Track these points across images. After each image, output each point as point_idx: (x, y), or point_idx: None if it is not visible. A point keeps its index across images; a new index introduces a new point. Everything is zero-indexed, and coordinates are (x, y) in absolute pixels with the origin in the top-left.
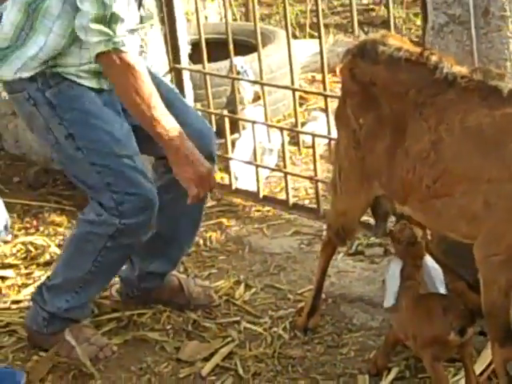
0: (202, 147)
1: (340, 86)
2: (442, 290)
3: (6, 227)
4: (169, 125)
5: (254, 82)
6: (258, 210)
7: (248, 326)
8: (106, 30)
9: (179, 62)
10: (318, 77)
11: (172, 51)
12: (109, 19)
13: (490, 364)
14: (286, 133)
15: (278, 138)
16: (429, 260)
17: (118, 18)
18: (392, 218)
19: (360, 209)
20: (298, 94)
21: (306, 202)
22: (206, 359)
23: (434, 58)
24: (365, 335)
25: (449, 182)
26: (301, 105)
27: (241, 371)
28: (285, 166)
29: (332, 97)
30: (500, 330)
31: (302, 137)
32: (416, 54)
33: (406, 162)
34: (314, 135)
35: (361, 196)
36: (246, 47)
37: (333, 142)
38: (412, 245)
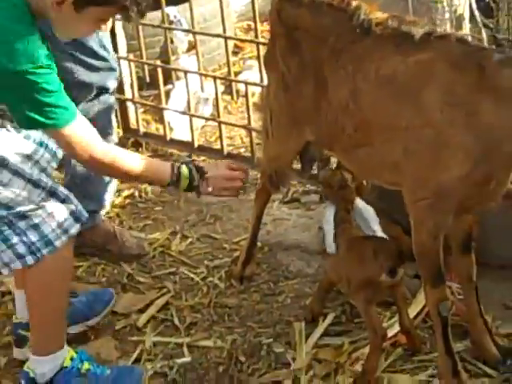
0: (104, 80)
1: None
2: (378, 228)
3: None
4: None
5: (187, 31)
6: (194, 160)
7: (184, 276)
8: None
9: None
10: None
11: None
12: None
13: (424, 306)
14: (220, 82)
15: (212, 87)
16: (360, 202)
17: None
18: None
19: (291, 153)
20: (231, 42)
21: (242, 150)
22: (142, 311)
23: (353, 4)
24: (301, 282)
25: (369, 131)
26: (236, 54)
27: (177, 321)
28: (219, 116)
29: (265, 44)
30: (431, 271)
31: (237, 86)
32: None
33: (329, 111)
34: (246, 83)
35: (291, 140)
36: None
37: None
38: (342, 189)
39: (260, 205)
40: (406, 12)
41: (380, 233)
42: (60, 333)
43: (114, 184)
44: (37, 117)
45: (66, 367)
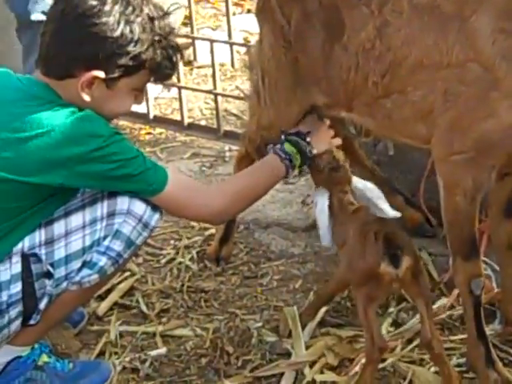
0: None
1: None
2: (386, 206)
3: None
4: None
5: None
6: (149, 133)
7: (148, 258)
8: None
9: None
10: None
11: None
12: None
13: None
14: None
15: None
16: (358, 182)
17: None
18: None
19: (289, 121)
20: None
21: (202, 122)
22: (102, 297)
23: None
24: (286, 263)
25: (400, 75)
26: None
27: (144, 308)
28: (179, 80)
29: None
30: (464, 241)
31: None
32: None
33: (346, 60)
34: (211, 41)
35: (292, 106)
36: None
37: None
38: (335, 170)
39: None
40: None
41: (391, 212)
42: (44, 335)
43: None
44: (132, 188)
45: (21, 357)
